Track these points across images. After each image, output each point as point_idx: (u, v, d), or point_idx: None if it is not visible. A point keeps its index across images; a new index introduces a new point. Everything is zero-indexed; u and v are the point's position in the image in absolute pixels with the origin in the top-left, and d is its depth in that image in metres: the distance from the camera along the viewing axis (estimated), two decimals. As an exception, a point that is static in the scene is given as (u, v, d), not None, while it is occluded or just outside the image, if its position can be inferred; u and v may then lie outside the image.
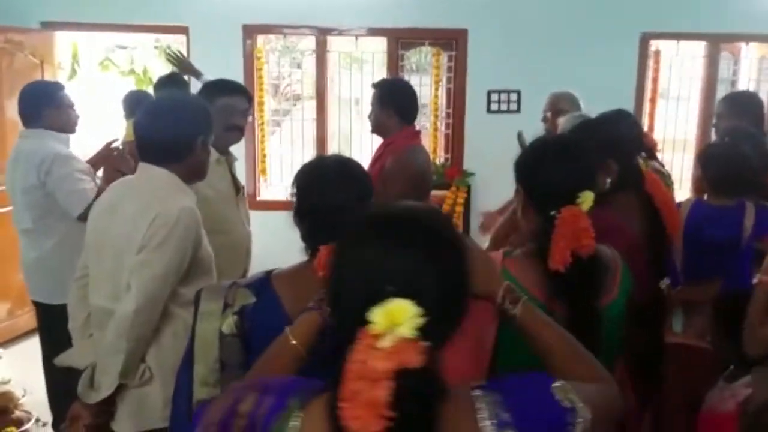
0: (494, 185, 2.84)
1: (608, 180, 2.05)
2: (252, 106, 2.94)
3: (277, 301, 1.47)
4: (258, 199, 5.16)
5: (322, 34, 5.04)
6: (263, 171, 5.23)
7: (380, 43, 5.17)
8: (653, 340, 2.03)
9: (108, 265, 1.91)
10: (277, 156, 5.53)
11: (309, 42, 5.26)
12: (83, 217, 2.88)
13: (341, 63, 5.28)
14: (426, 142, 5.28)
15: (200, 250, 1.93)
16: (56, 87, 3.31)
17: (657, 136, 5.32)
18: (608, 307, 1.58)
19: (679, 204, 2.78)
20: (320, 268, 1.32)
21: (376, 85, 3.30)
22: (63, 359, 2.05)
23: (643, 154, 2.89)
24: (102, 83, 5.98)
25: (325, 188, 1.49)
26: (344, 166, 1.56)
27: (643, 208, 2.11)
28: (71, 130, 3.24)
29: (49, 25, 5.03)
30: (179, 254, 1.84)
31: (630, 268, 1.75)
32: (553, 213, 1.53)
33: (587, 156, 1.66)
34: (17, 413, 3.31)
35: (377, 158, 3.20)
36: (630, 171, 2.17)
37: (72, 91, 5.37)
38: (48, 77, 4.90)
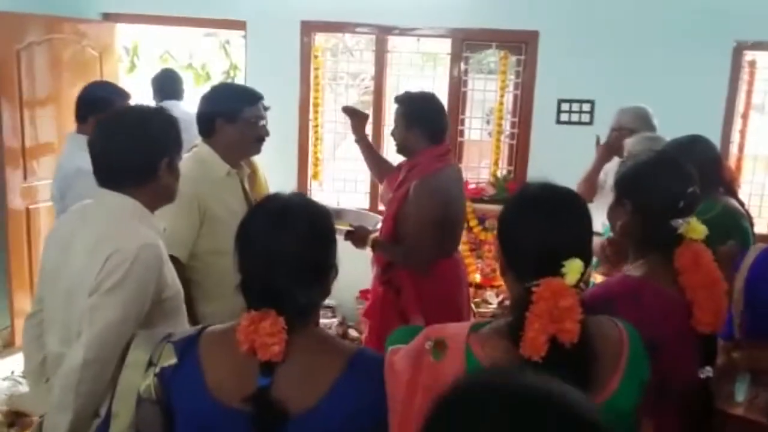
0: None
1: (619, 223, 1.68)
2: None
3: (198, 368, 1.28)
4: (308, 203, 4.94)
5: (383, 33, 4.76)
6: (315, 175, 5.01)
7: (444, 44, 4.86)
8: None
9: (59, 305, 1.69)
10: (331, 158, 5.30)
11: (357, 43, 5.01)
12: None
13: (401, 64, 4.99)
14: (487, 151, 4.97)
15: (165, 290, 1.68)
16: (112, 93, 3.06)
17: (748, 153, 4.85)
18: (604, 405, 1.25)
19: (747, 249, 2.35)
20: (244, 342, 1.22)
21: (400, 101, 2.99)
22: (17, 403, 1.85)
23: (721, 189, 2.53)
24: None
25: (273, 270, 1.27)
26: (299, 235, 1.31)
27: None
28: None
29: (109, 17, 4.98)
30: (138, 297, 1.59)
31: (673, 351, 1.46)
32: (530, 285, 1.22)
33: (578, 210, 1.33)
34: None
35: (402, 182, 2.93)
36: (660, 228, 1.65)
37: (130, 84, 5.37)
38: (107, 70, 4.88)
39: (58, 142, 4.43)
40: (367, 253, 3.04)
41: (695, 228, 1.57)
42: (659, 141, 2.84)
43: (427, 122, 2.90)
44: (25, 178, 4.33)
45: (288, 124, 4.81)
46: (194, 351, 1.31)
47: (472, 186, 4.85)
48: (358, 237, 2.96)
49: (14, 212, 4.27)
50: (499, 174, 4.87)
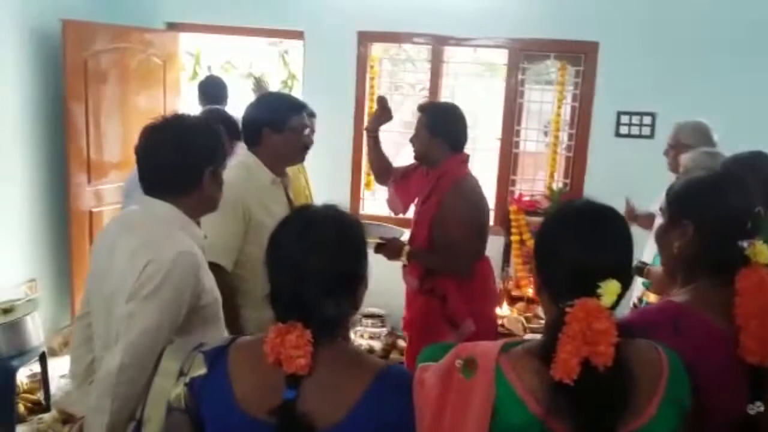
0: None
1: (676, 245, 1.56)
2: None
3: (226, 378, 1.29)
4: (361, 212, 4.97)
5: (439, 43, 4.75)
6: (368, 184, 5.02)
7: (501, 54, 4.81)
8: None
9: (102, 308, 1.72)
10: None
11: (419, 52, 5.00)
12: None
13: (458, 74, 4.97)
14: (543, 164, 4.88)
15: (203, 297, 1.69)
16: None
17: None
18: (641, 430, 1.20)
19: None
20: (270, 354, 1.23)
21: (423, 109, 3.05)
22: (63, 404, 1.89)
23: None
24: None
25: (299, 277, 1.27)
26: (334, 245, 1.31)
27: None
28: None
29: (173, 26, 5.12)
30: (174, 305, 1.60)
31: (714, 384, 1.37)
32: (564, 305, 1.18)
33: (618, 230, 1.29)
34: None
35: (431, 191, 2.96)
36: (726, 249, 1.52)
37: (192, 92, 5.50)
38: (170, 77, 5.04)
39: (123, 147, 4.59)
40: (398, 265, 3.08)
41: (762, 251, 1.48)
42: (718, 157, 2.73)
43: (451, 132, 2.96)
44: (89, 181, 4.49)
45: (343, 133, 4.84)
46: (223, 362, 1.32)
47: (526, 198, 4.77)
48: (392, 249, 3.01)
49: (78, 215, 4.43)
50: (554, 187, 4.78)
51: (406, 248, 3.00)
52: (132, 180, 2.97)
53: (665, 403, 1.23)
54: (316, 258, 1.27)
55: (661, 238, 1.64)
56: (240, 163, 2.52)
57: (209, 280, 1.74)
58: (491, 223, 4.62)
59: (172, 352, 1.39)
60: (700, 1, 4.39)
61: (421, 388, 1.27)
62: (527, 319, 4.28)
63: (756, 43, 4.34)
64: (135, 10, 4.95)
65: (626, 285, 1.23)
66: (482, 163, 5.10)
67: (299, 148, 2.61)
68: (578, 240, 1.26)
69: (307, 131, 2.61)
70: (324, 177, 4.17)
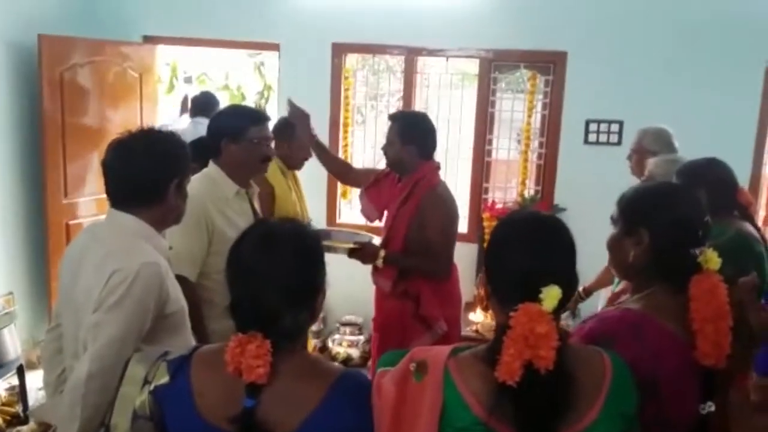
0: (587, 223, 2.50)
1: (632, 253, 1.60)
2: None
3: (188, 387, 1.33)
4: (338, 221, 5.04)
5: (412, 54, 4.84)
6: (344, 194, 5.09)
7: (473, 64, 4.91)
8: None
9: (71, 319, 1.76)
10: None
11: (398, 62, 5.09)
12: None
13: (431, 85, 5.06)
14: (515, 171, 4.98)
15: (168, 306, 1.73)
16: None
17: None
18: None
19: None
20: (230, 364, 1.27)
21: (394, 118, 3.18)
22: (39, 413, 1.93)
23: (736, 213, 2.51)
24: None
25: (258, 289, 1.32)
26: (294, 251, 1.35)
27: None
28: None
29: (150, 39, 5.16)
30: (138, 314, 1.65)
31: (673, 387, 1.44)
32: (510, 310, 1.24)
33: (560, 238, 1.35)
34: None
35: (407, 196, 3.06)
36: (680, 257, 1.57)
37: (169, 104, 5.55)
38: (147, 91, 5.07)
39: (99, 160, 4.60)
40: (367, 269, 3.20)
41: (712, 258, 1.54)
42: (680, 163, 2.83)
43: (420, 140, 3.08)
44: (65, 194, 4.50)
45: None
46: (185, 370, 1.35)
47: (499, 206, 4.86)
48: (367, 252, 3.11)
49: (55, 227, 4.44)
50: (526, 194, 4.88)
51: (382, 252, 3.10)
52: None
53: (606, 411, 1.29)
54: (276, 270, 1.31)
55: (615, 246, 1.67)
56: (204, 175, 2.56)
57: (175, 289, 1.78)
58: (464, 230, 4.74)
59: (138, 360, 1.42)
60: (665, 12, 4.51)
61: (378, 394, 1.31)
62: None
63: (717, 51, 4.47)
64: (112, 23, 4.99)
65: (569, 291, 1.29)
66: (456, 170, 5.18)
67: (258, 159, 2.61)
68: (522, 248, 1.32)
69: (268, 143, 2.63)
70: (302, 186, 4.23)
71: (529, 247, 1.32)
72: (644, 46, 4.55)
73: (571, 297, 1.33)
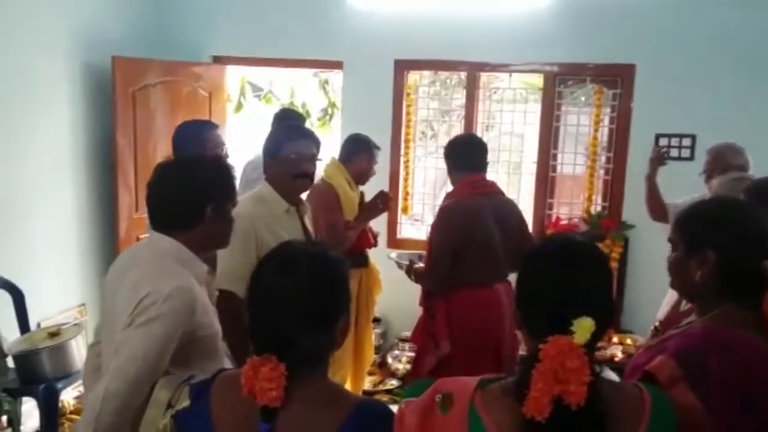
0: (656, 241, 2.37)
1: (699, 274, 1.52)
2: (319, 150, 2.75)
3: (207, 411, 1.32)
4: (398, 237, 5.03)
5: (474, 69, 4.80)
6: (405, 209, 5.07)
7: (537, 79, 4.83)
8: None
9: (109, 338, 1.78)
10: (420, 194, 5.36)
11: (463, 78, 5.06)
12: None
13: (494, 99, 5.01)
14: (582, 187, 4.84)
15: (199, 330, 1.72)
16: (202, 128, 3.24)
17: None
18: None
19: None
20: (245, 386, 1.25)
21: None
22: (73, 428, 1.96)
23: None
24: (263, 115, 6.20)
25: (274, 311, 1.30)
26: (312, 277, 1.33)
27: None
28: None
29: (219, 60, 5.31)
30: (164, 337, 1.64)
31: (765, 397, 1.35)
32: (540, 342, 1.18)
33: (595, 267, 1.28)
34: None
35: None
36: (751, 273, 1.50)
37: (237, 122, 5.68)
38: (216, 109, 5.21)
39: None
40: None
41: None
42: (746, 182, 2.69)
43: (455, 156, 3.17)
44: (136, 209, 4.67)
45: (381, 159, 4.90)
46: (206, 394, 1.35)
47: (564, 221, 4.74)
48: (407, 270, 3.25)
49: (125, 241, 4.60)
50: (592, 210, 4.73)
51: (414, 267, 3.25)
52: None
53: None
54: (292, 292, 1.29)
55: (678, 269, 1.59)
56: (255, 193, 2.61)
57: (207, 313, 1.78)
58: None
59: (163, 385, 1.44)
60: (735, 22, 4.32)
61: (401, 424, 1.28)
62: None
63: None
64: (183, 45, 5.16)
65: (603, 323, 1.23)
66: (519, 186, 5.10)
67: (293, 175, 2.59)
68: (552, 278, 1.26)
69: (306, 159, 2.60)
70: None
71: (558, 277, 1.26)
72: (714, 56, 4.37)
73: (607, 329, 1.27)
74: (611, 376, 3.75)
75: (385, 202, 3.57)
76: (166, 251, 1.78)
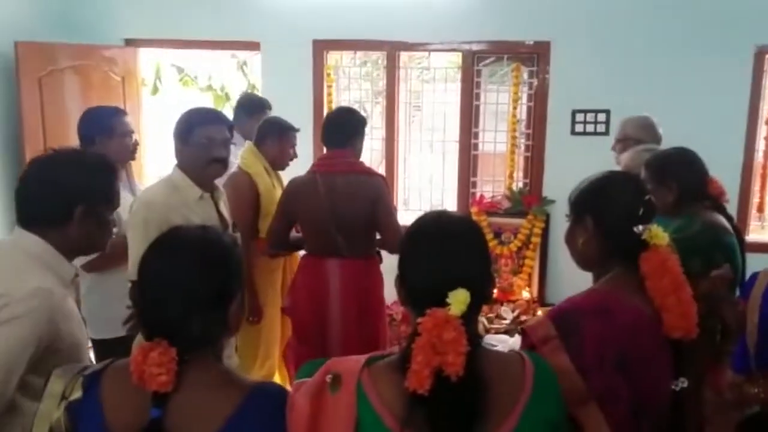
0: None
1: (580, 241, 1.67)
2: (233, 134, 2.67)
3: (98, 401, 1.30)
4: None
5: (393, 48, 4.78)
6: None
7: (455, 58, 4.84)
8: None
9: None
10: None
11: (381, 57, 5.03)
12: (88, 269, 2.79)
13: (413, 79, 5.00)
14: (502, 165, 4.91)
15: (58, 341, 1.59)
16: (110, 114, 3.10)
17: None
18: None
19: (756, 274, 2.25)
20: (134, 373, 1.24)
21: None
22: None
23: (707, 204, 2.44)
24: (181, 99, 6.03)
25: (162, 295, 1.29)
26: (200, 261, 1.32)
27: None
28: (123, 160, 3.03)
29: (131, 42, 5.12)
30: (18, 342, 1.52)
31: (645, 365, 1.45)
32: (419, 317, 1.21)
33: (469, 240, 1.32)
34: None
35: None
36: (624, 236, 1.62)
37: (154, 107, 5.51)
38: (130, 93, 5.02)
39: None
40: None
41: (657, 233, 1.58)
42: (649, 154, 2.77)
43: (321, 132, 3.22)
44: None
45: (303, 141, 4.84)
46: (97, 384, 1.33)
47: (487, 200, 4.80)
48: None
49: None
50: (514, 187, 4.81)
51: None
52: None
53: (528, 415, 1.25)
54: (178, 276, 1.29)
55: (568, 239, 1.73)
56: (167, 180, 2.52)
57: (69, 323, 1.65)
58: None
59: (58, 375, 1.39)
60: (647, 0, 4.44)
61: (292, 409, 1.28)
62: (489, 320, 4.31)
63: (704, 37, 4.37)
64: (93, 27, 4.95)
65: (480, 294, 1.26)
66: (447, 165, 5.12)
67: (205, 161, 2.51)
68: (428, 253, 1.29)
69: (218, 144, 2.52)
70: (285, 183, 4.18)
71: (432, 252, 1.29)
72: (629, 33, 4.46)
73: (484, 300, 1.31)
74: (509, 343, 3.88)
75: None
76: (27, 250, 1.66)
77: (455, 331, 1.17)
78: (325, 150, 3.22)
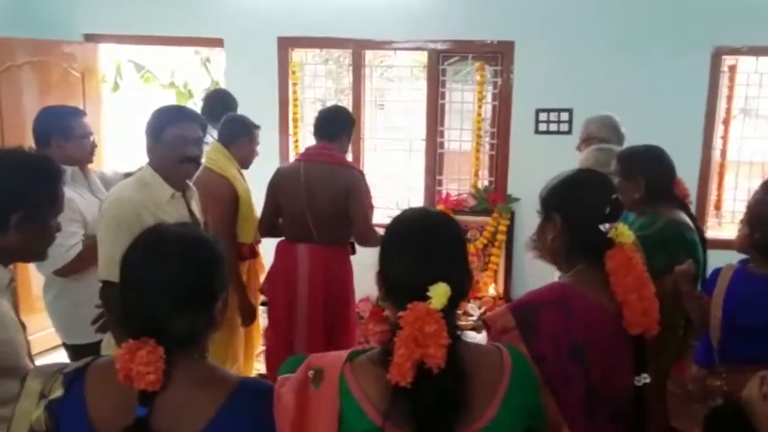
0: None
1: (549, 237, 1.71)
2: (205, 132, 2.62)
3: (82, 399, 1.28)
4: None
5: (358, 47, 4.78)
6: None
7: (420, 57, 4.86)
8: None
9: None
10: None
11: (347, 56, 5.01)
12: (61, 274, 2.73)
13: (379, 77, 5.00)
14: (467, 163, 4.95)
15: None
16: (69, 115, 3.00)
17: (731, 159, 4.79)
18: None
19: (718, 270, 2.31)
20: (121, 371, 1.22)
21: None
22: None
23: (673, 203, 2.49)
24: (142, 96, 5.94)
25: (146, 294, 1.27)
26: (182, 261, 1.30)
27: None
28: (81, 162, 2.96)
29: (91, 38, 5.02)
30: None
31: (602, 358, 1.49)
32: (401, 311, 1.23)
33: (446, 235, 1.34)
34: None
35: None
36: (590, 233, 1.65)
37: (115, 104, 5.41)
38: (90, 90, 4.92)
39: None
40: None
41: (623, 232, 1.62)
42: (611, 153, 2.81)
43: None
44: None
45: (268, 139, 4.80)
46: (80, 382, 1.31)
47: (453, 198, 4.83)
48: None
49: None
50: (480, 185, 4.85)
51: None
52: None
53: (508, 404, 1.27)
54: (163, 274, 1.27)
55: (539, 235, 1.77)
56: (137, 178, 2.47)
57: (5, 328, 1.61)
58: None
59: (35, 374, 1.36)
60: (611, 1, 4.51)
61: (278, 402, 1.28)
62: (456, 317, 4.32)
63: (664, 37, 4.47)
64: (52, 22, 4.86)
65: (460, 288, 1.27)
66: (410, 163, 5.14)
67: (177, 159, 2.45)
68: (405, 249, 1.31)
69: (190, 142, 2.47)
70: (249, 182, 4.14)
71: (412, 247, 1.30)
72: (591, 34, 4.54)
73: (465, 293, 1.32)
74: (477, 339, 3.93)
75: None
76: None
77: (436, 324, 1.18)
78: (315, 142, 3.37)
